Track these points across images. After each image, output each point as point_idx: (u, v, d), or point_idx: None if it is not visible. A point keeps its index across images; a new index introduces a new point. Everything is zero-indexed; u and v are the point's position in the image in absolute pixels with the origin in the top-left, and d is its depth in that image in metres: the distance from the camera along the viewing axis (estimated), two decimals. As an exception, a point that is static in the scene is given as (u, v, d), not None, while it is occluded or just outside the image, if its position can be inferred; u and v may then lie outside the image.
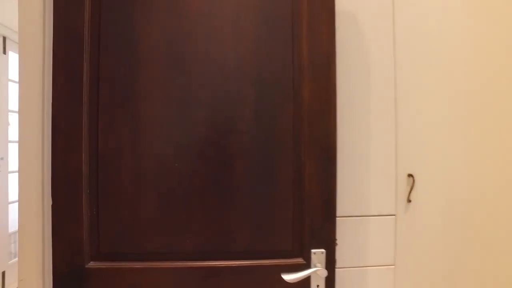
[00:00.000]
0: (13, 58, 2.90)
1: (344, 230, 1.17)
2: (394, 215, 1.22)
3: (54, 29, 0.90)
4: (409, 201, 1.23)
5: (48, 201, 0.93)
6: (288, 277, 0.92)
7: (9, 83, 2.89)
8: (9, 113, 2.90)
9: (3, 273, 2.82)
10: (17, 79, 1.56)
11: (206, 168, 0.93)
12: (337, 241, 1.01)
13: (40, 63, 0.97)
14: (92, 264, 0.92)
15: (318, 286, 0.95)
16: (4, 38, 2.81)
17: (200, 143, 0.93)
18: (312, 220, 0.95)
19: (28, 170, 0.95)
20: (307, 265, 0.95)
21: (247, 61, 0.95)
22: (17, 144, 2.57)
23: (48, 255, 0.97)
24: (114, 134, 0.92)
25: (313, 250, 0.95)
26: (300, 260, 0.96)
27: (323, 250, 0.96)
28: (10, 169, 2.94)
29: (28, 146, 0.95)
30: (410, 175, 1.23)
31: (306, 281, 0.95)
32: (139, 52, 0.93)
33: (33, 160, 0.95)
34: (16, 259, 2.61)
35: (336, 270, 0.98)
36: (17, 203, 2.50)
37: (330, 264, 0.96)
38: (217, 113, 0.93)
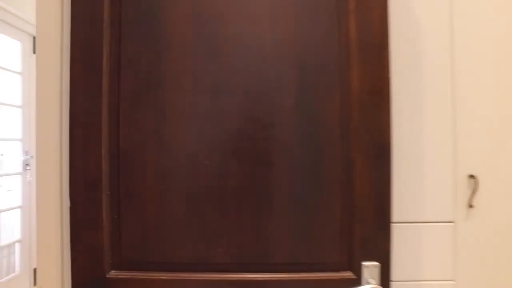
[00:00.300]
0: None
1: (394, 238, 1.02)
2: (452, 222, 1.05)
3: (72, 11, 0.81)
4: (470, 206, 1.06)
5: (67, 203, 0.83)
6: (336, 294, 0.78)
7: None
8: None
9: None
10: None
11: (240, 167, 0.81)
12: (392, 252, 0.86)
13: (57, 54, 0.88)
14: (113, 274, 0.82)
15: (370, 305, 0.81)
16: (34, 38, 2.82)
17: (234, 137, 0.81)
18: (363, 228, 0.81)
19: (45, 169, 0.86)
20: (358, 281, 0.81)
21: (286, 42, 0.82)
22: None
23: (68, 262, 0.88)
24: (136, 128, 0.81)
25: (364, 263, 0.81)
26: (349, 274, 0.82)
27: (376, 263, 0.81)
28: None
29: (45, 144, 0.86)
30: (472, 176, 1.06)
31: (357, 299, 0.81)
32: (164, 35, 0.82)
33: (50, 158, 0.86)
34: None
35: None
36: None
37: (385, 279, 0.81)
38: (253, 103, 0.81)
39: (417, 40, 1.04)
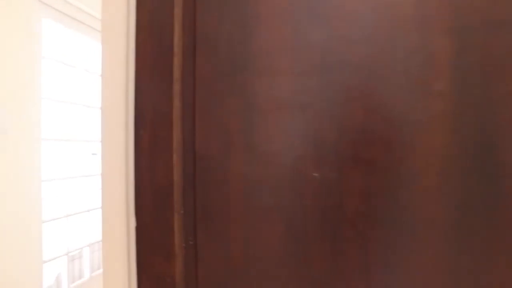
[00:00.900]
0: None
1: None
2: None
3: (137, -23, 0.63)
4: None
5: (133, 222, 0.66)
6: None
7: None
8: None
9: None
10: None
11: (365, 181, 0.55)
12: None
13: (123, 38, 0.71)
14: (188, 315, 0.62)
15: None
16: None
17: (355, 138, 0.55)
18: None
19: (110, 180, 0.69)
20: None
21: (434, -6, 0.54)
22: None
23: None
24: (217, 125, 0.60)
25: None
26: None
27: None
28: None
29: (109, 149, 0.70)
30: None
31: None
32: (253, 1, 0.60)
33: (115, 167, 0.69)
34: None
35: None
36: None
37: None
38: (382, 88, 0.55)
39: None
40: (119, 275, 0.68)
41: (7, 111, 1.80)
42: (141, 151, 0.62)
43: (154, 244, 0.62)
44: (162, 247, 0.62)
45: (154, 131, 0.62)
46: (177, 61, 0.62)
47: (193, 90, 0.61)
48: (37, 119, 1.99)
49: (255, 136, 0.58)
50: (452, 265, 0.52)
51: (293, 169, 0.57)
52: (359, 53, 0.55)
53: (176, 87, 0.61)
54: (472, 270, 0.51)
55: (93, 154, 2.73)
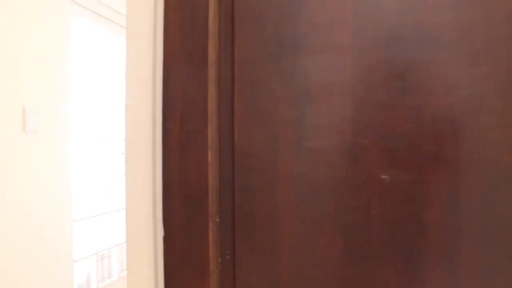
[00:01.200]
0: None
1: None
2: None
3: None
4: None
5: (160, 231, 0.57)
6: None
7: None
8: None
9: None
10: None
11: (450, 185, 0.43)
12: None
13: (150, 16, 0.62)
14: None
15: None
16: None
17: (437, 132, 0.43)
18: None
19: (135, 181, 0.60)
20: None
21: None
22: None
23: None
24: (261, 117, 0.50)
25: None
26: None
27: None
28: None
29: (134, 144, 0.61)
30: None
31: None
32: (302, -33, 0.49)
33: (140, 166, 0.60)
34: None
35: None
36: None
37: None
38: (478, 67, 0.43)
39: None
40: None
41: (38, 111, 1.78)
42: (170, 148, 0.53)
43: (185, 258, 0.53)
44: (194, 261, 0.52)
45: (185, 125, 0.52)
46: (212, 41, 0.52)
47: (232, 75, 0.51)
48: (67, 118, 1.98)
49: (307, 129, 0.48)
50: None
51: (356, 170, 0.46)
52: (445, 22, 0.43)
53: (212, 72, 0.52)
54: None
55: (122, 153, 2.71)
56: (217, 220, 0.52)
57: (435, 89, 0.43)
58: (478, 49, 0.42)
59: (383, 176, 0.45)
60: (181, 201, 0.52)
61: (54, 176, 1.90)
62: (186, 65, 0.53)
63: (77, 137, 2.17)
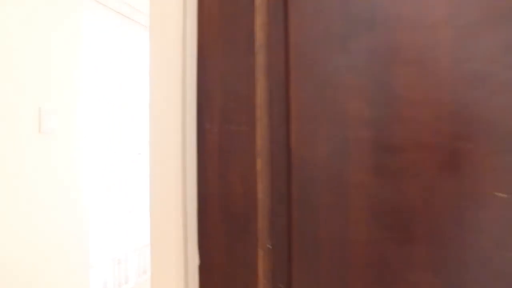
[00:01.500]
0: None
1: None
2: None
3: None
4: None
5: (195, 258, 0.46)
6: None
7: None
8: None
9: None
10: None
11: None
12: None
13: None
14: None
15: None
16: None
17: None
18: None
19: (162, 197, 0.49)
20: None
21: None
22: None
23: None
24: (326, 114, 0.39)
25: None
26: None
27: None
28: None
29: (161, 151, 0.50)
30: None
31: None
32: None
33: (168, 177, 0.49)
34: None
35: None
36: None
37: None
38: None
39: None
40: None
41: (54, 111, 1.72)
42: (207, 154, 0.42)
43: (227, 292, 0.42)
44: (238, 296, 0.41)
45: (227, 124, 0.41)
46: (260, 20, 0.41)
47: (286, 61, 0.40)
48: (83, 118, 1.91)
49: (390, 131, 0.36)
50: None
51: (461, 185, 0.34)
52: None
53: (260, 58, 0.41)
54: None
55: (138, 154, 2.63)
56: (269, 245, 0.40)
57: None
58: None
59: (498, 194, 0.33)
60: (222, 221, 0.41)
61: (71, 176, 1.84)
62: (227, 49, 0.42)
63: (93, 137, 2.10)
